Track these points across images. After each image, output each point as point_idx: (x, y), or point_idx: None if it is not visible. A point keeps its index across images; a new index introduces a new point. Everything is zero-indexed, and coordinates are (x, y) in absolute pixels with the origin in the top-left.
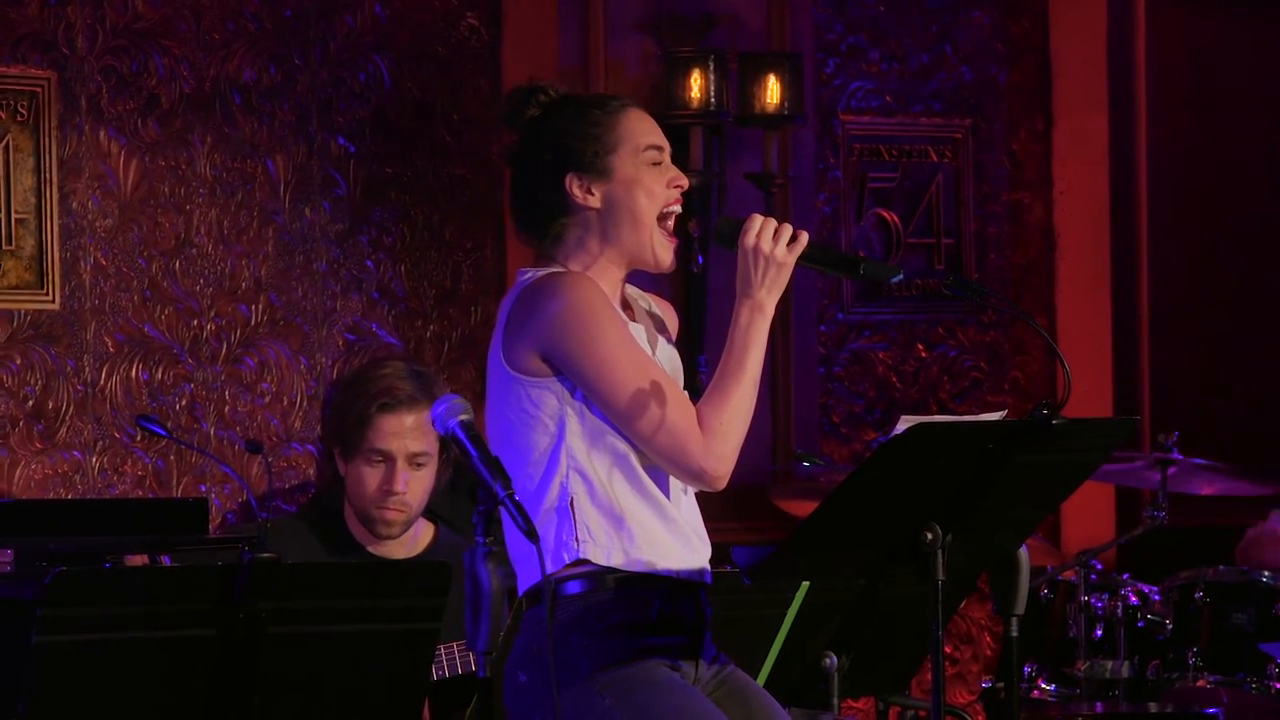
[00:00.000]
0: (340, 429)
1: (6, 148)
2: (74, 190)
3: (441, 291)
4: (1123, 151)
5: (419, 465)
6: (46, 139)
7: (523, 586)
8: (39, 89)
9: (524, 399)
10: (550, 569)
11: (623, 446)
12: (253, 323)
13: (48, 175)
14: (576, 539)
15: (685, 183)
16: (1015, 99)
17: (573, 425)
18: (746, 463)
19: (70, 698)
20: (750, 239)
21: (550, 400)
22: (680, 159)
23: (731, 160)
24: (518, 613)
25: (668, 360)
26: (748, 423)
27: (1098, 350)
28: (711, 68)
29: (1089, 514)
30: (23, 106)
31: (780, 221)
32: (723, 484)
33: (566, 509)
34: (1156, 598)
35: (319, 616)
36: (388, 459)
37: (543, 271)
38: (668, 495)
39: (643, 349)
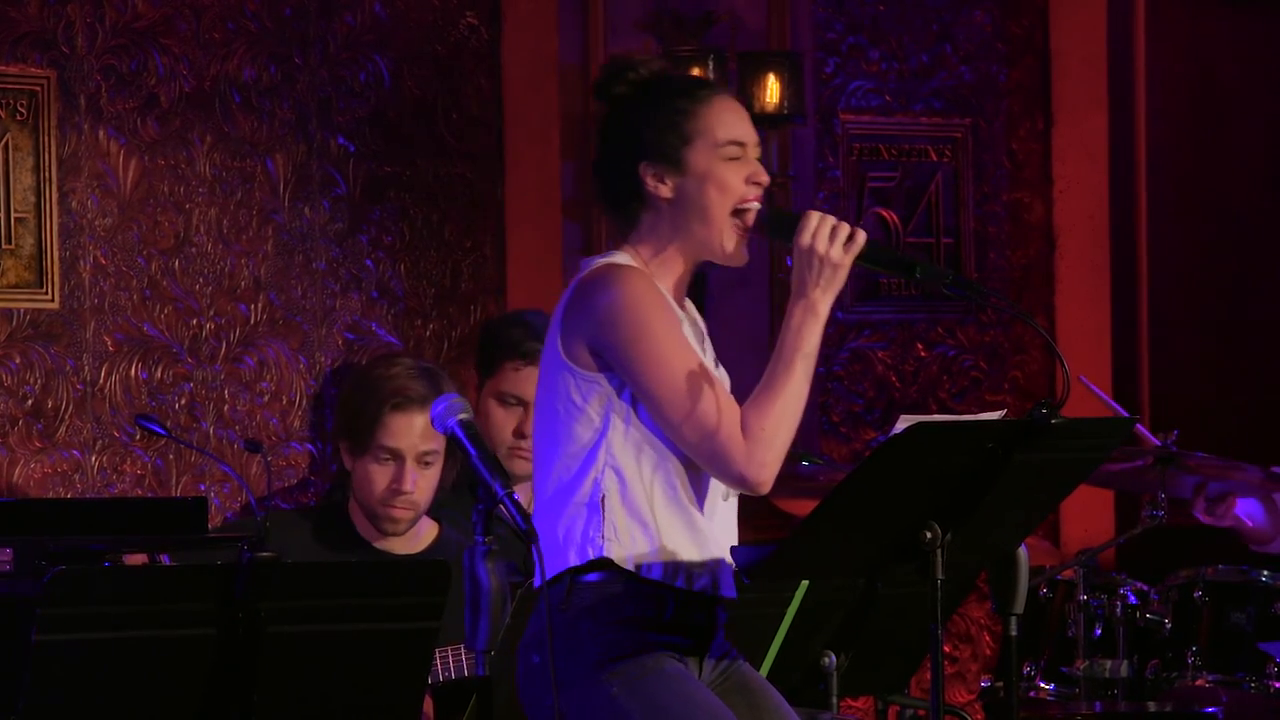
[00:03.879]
0: (351, 427)
1: (6, 147)
2: (73, 189)
3: (441, 290)
4: (1123, 151)
5: (427, 464)
6: (46, 138)
7: (552, 570)
8: (38, 88)
9: (572, 389)
10: (575, 561)
11: (664, 452)
12: (252, 322)
13: (47, 174)
14: (603, 536)
15: (765, 179)
16: (1015, 98)
17: (616, 424)
18: None
19: (69, 697)
20: (806, 239)
21: (597, 395)
22: None
23: None
24: (525, 597)
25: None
26: (795, 428)
27: (1098, 350)
28: (711, 66)
29: (1088, 513)
30: (22, 105)
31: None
32: (766, 489)
33: (598, 505)
34: (1155, 597)
35: (319, 615)
36: (397, 458)
37: (601, 261)
38: (701, 508)
39: (692, 348)
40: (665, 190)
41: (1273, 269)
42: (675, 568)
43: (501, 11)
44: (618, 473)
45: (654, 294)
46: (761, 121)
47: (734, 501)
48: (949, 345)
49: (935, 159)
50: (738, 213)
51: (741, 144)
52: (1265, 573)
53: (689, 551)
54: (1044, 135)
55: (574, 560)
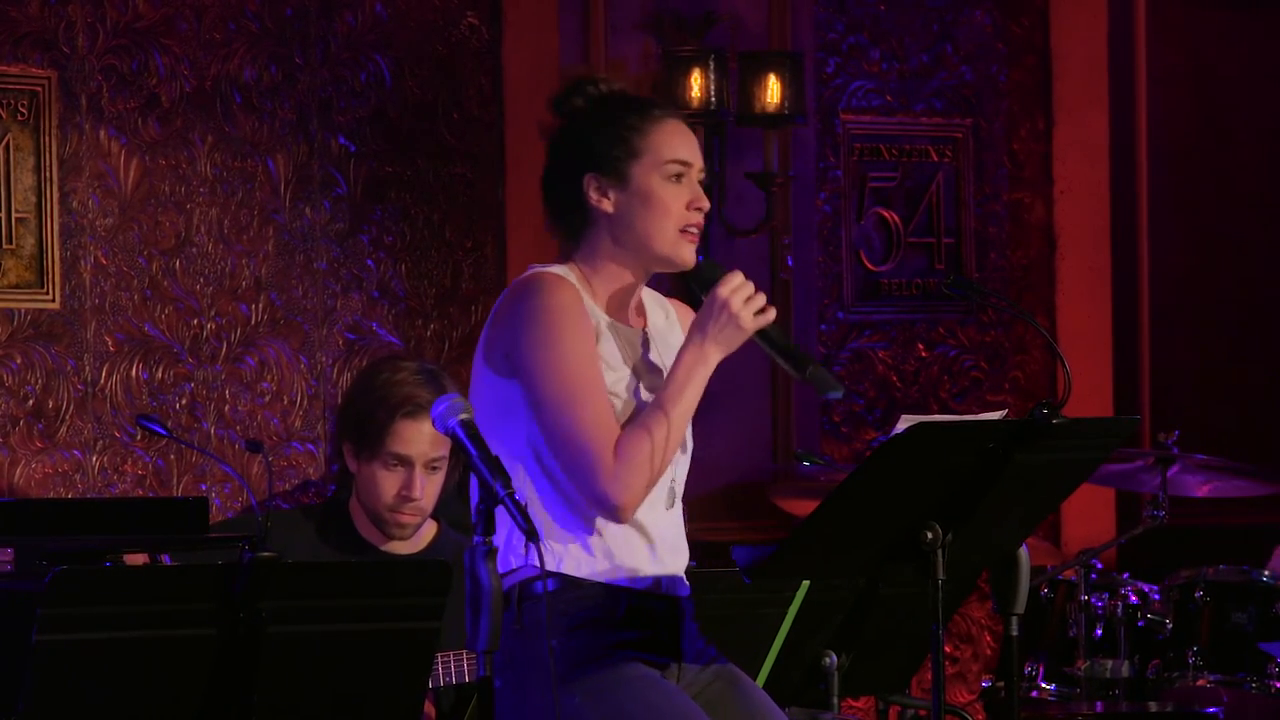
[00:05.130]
0: (358, 431)
1: (7, 147)
2: (74, 189)
3: (442, 290)
4: (1123, 151)
5: (435, 469)
6: (47, 138)
7: (501, 567)
8: (39, 88)
9: (496, 395)
10: (513, 563)
11: None
12: (253, 322)
13: (48, 174)
14: (526, 546)
15: (705, 205)
16: (1016, 98)
17: (537, 430)
18: (746, 462)
19: (70, 697)
20: (725, 291)
21: (516, 401)
22: None
23: (732, 159)
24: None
25: (661, 372)
26: (666, 461)
27: (1098, 350)
28: (712, 67)
29: (1089, 513)
30: (23, 105)
31: (756, 282)
32: (626, 514)
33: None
34: (1156, 597)
35: (319, 616)
36: (406, 464)
37: (534, 269)
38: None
39: (595, 365)
40: (607, 205)
41: (1273, 269)
42: (612, 568)
43: (502, 11)
44: (539, 480)
45: (572, 306)
46: (762, 121)
47: (678, 510)
48: (950, 345)
49: (936, 159)
50: (683, 230)
51: (685, 164)
52: (1266, 573)
53: (626, 549)
54: (1045, 135)
55: (513, 563)
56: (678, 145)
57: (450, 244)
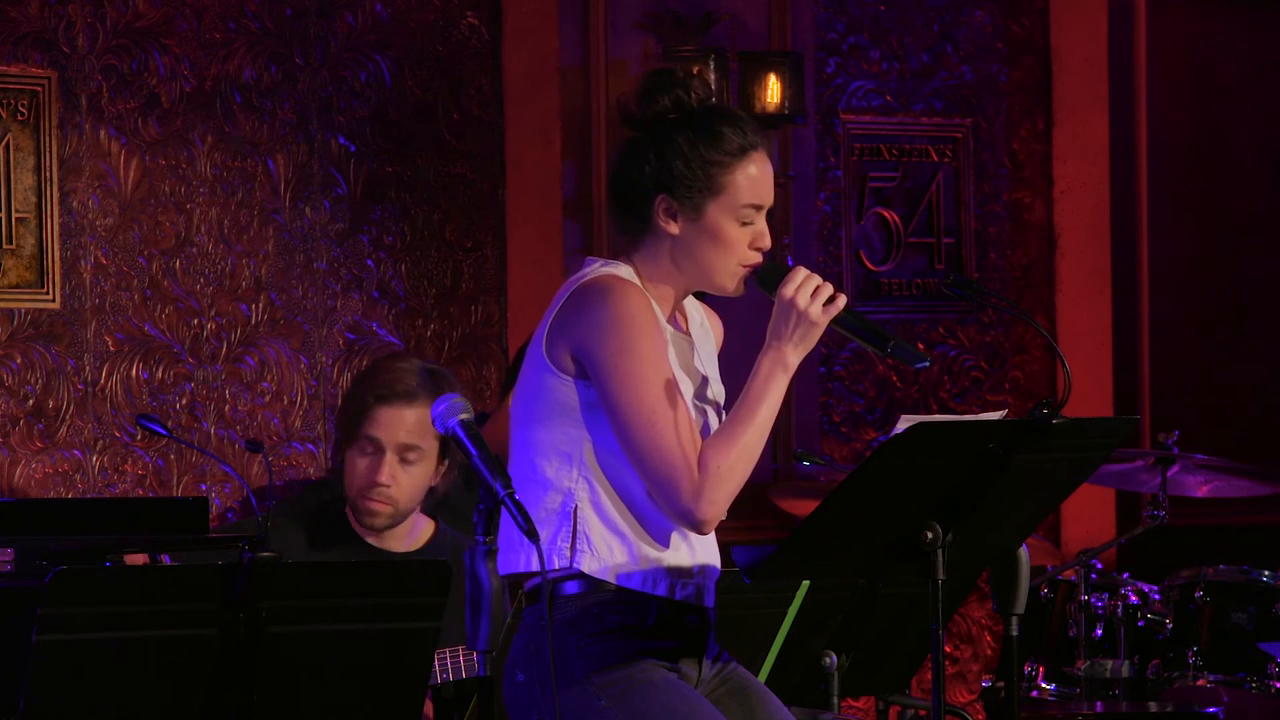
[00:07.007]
0: (343, 415)
1: (7, 147)
2: (74, 189)
3: (442, 290)
4: (1123, 151)
5: (409, 460)
6: (47, 138)
7: (504, 568)
8: (39, 88)
9: (554, 392)
10: (537, 565)
11: None
12: (253, 322)
13: (48, 174)
14: (572, 547)
15: (767, 244)
16: (1016, 98)
17: (593, 432)
18: None
19: (70, 697)
20: (789, 290)
21: (578, 402)
22: None
23: None
24: (517, 611)
25: (706, 380)
26: (749, 472)
27: (1098, 350)
28: (712, 67)
29: (1089, 513)
30: (23, 105)
31: (824, 279)
32: (708, 529)
33: (569, 514)
34: (1156, 597)
35: (319, 615)
36: (378, 449)
37: (602, 269)
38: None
39: (672, 375)
40: (673, 228)
41: (1273, 269)
42: (655, 576)
43: (502, 12)
44: (590, 482)
45: (647, 313)
46: (762, 121)
47: None
48: (950, 345)
49: (936, 159)
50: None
51: (759, 208)
52: (1266, 573)
53: (671, 559)
54: (1044, 135)
55: (536, 564)
56: (757, 187)
57: (450, 244)
